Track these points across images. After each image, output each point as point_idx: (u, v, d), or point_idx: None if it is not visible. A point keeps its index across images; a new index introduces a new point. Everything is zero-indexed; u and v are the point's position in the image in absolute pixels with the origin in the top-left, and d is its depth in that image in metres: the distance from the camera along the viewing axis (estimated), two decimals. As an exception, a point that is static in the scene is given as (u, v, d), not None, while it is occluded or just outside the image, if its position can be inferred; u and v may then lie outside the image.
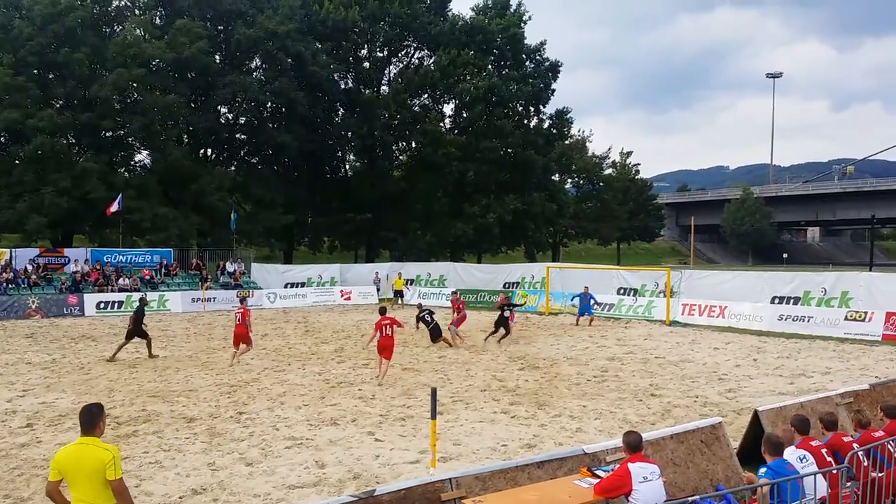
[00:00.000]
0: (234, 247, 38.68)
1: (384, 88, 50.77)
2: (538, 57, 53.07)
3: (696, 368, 16.12)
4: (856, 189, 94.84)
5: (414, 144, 51.24)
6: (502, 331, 20.45)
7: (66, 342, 20.62)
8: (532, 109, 53.86)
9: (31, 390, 13.64)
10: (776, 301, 24.78)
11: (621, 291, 29.35)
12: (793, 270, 32.45)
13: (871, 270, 36.11)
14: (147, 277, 31.96)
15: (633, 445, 5.99)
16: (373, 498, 5.46)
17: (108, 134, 39.45)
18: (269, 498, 7.83)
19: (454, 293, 22.86)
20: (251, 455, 9.33)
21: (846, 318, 21.96)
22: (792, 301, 24.54)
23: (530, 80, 50.91)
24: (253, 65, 46.36)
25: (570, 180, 71.60)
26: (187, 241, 40.14)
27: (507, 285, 34.28)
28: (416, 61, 52.27)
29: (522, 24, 51.51)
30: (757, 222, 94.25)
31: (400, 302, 32.90)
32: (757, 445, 6.54)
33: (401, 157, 55.02)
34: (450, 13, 51.89)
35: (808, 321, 22.62)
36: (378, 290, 36.04)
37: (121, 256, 33.03)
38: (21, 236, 37.70)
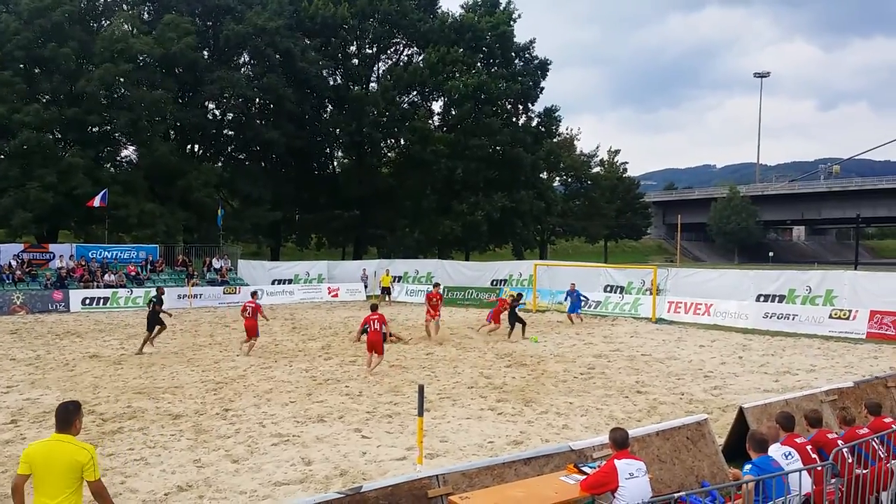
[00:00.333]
0: (220, 243, 38.43)
1: (373, 85, 50.66)
2: (527, 55, 53.14)
3: (682, 366, 16.22)
4: (841, 188, 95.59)
5: (402, 141, 51.12)
6: (518, 325, 20.60)
7: (51, 338, 20.44)
8: (521, 107, 53.92)
9: (16, 387, 13.53)
10: (762, 299, 24.97)
11: (608, 289, 29.52)
12: (778, 269, 32.67)
13: (855, 269, 36.55)
14: (133, 273, 31.75)
15: (620, 442, 6.01)
16: (359, 495, 5.45)
17: (94, 129, 39.06)
18: (255, 495, 7.80)
19: (435, 286, 22.66)
20: (237, 452, 9.29)
21: (831, 317, 22.18)
22: (777, 299, 24.74)
23: (519, 78, 50.97)
24: (241, 61, 46.11)
25: (558, 178, 71.57)
26: (174, 237, 39.82)
27: (494, 282, 34.36)
28: (406, 58, 52.23)
29: (512, 22, 51.55)
30: (743, 221, 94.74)
31: (387, 299, 32.86)
32: (742, 442, 6.57)
33: (389, 155, 54.92)
34: (439, 10, 51.80)
35: (794, 319, 22.79)
36: (366, 287, 36.05)
37: (106, 252, 32.73)
38: (6, 231, 37.29)
